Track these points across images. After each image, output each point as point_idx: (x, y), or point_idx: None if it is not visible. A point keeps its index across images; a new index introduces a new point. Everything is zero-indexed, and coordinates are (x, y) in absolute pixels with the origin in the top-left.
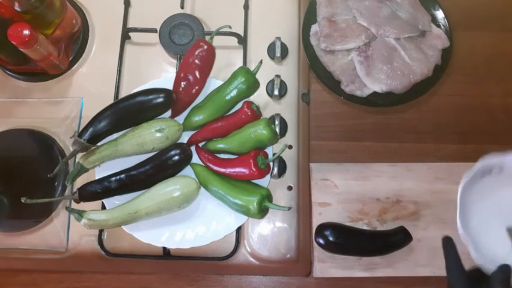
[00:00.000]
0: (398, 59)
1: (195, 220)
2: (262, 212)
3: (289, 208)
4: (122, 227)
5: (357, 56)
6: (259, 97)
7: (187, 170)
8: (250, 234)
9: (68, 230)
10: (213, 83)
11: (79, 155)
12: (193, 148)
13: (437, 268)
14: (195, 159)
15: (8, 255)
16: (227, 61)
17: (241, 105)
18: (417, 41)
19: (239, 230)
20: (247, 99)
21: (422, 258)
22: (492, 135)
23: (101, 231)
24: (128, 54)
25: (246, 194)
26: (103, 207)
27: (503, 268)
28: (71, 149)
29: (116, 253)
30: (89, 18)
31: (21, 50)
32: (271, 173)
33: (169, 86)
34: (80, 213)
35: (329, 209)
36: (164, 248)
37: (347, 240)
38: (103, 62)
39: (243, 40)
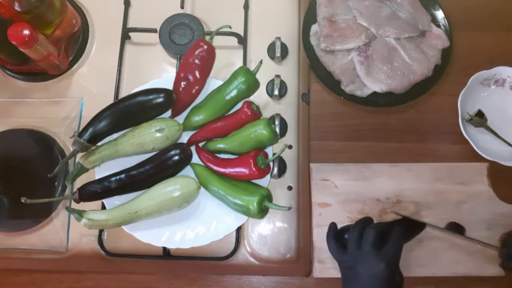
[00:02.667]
0: (398, 59)
1: (194, 220)
2: (262, 212)
3: (289, 208)
4: (122, 227)
5: (357, 56)
6: (259, 97)
7: (187, 170)
8: (250, 234)
9: (68, 230)
10: (213, 83)
11: (79, 155)
12: (193, 148)
13: (437, 268)
14: (195, 159)
15: (8, 255)
16: (227, 61)
17: (241, 105)
18: (417, 41)
19: (239, 230)
20: (247, 99)
21: (422, 258)
22: None
23: (101, 231)
24: (128, 54)
25: (246, 194)
26: (103, 207)
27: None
28: (71, 149)
29: (116, 253)
30: (89, 18)
31: (21, 50)
32: (271, 173)
33: (169, 86)
34: (80, 213)
35: (329, 210)
36: (164, 248)
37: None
38: (103, 62)
39: (243, 40)
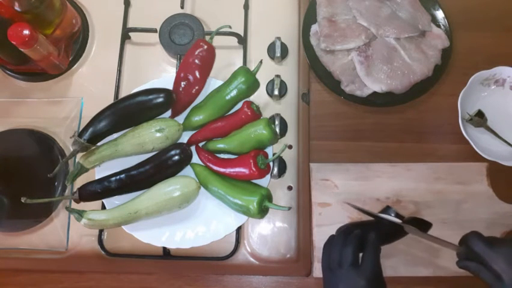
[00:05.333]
0: (398, 59)
1: (195, 220)
2: (262, 212)
3: (289, 208)
4: (122, 226)
5: (357, 56)
6: (259, 97)
7: (187, 170)
8: (250, 234)
9: (68, 230)
10: (213, 83)
11: (79, 155)
12: (193, 148)
13: (437, 268)
14: (195, 159)
15: (8, 255)
16: (227, 61)
17: (241, 105)
18: (417, 41)
19: (239, 230)
20: (247, 99)
21: (422, 258)
22: None
23: (101, 231)
24: (128, 54)
25: (246, 194)
26: (103, 207)
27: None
28: (71, 149)
29: (116, 253)
30: (89, 18)
31: (21, 50)
32: (271, 173)
33: (169, 86)
34: (80, 213)
35: (328, 209)
36: (164, 248)
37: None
38: (103, 62)
39: (243, 40)
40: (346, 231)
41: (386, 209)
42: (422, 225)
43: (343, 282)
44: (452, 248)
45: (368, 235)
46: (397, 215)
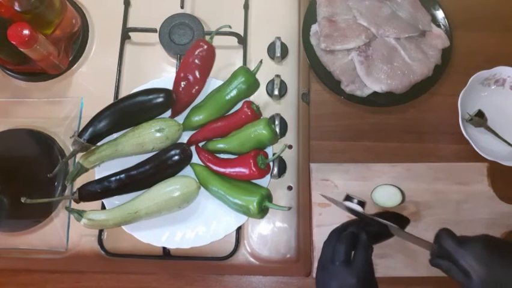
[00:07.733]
0: (398, 58)
1: (194, 220)
2: (262, 212)
3: (289, 208)
4: (122, 226)
5: (357, 55)
6: (259, 97)
7: (187, 170)
8: (250, 234)
9: (68, 230)
10: (213, 82)
11: (79, 155)
12: (193, 148)
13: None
14: (195, 159)
15: (8, 255)
16: (227, 61)
17: (241, 105)
18: (417, 41)
19: (239, 230)
20: (247, 99)
21: (422, 259)
22: None
23: (101, 231)
24: (128, 54)
25: (246, 194)
26: (103, 207)
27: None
28: (71, 149)
29: (116, 253)
30: (89, 18)
31: (21, 49)
32: (271, 173)
33: (169, 85)
34: (80, 213)
35: (329, 210)
36: (164, 248)
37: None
38: (102, 61)
39: (243, 40)
40: (340, 229)
41: (348, 198)
42: (400, 221)
43: (334, 279)
44: (427, 247)
45: (360, 235)
46: (359, 202)
